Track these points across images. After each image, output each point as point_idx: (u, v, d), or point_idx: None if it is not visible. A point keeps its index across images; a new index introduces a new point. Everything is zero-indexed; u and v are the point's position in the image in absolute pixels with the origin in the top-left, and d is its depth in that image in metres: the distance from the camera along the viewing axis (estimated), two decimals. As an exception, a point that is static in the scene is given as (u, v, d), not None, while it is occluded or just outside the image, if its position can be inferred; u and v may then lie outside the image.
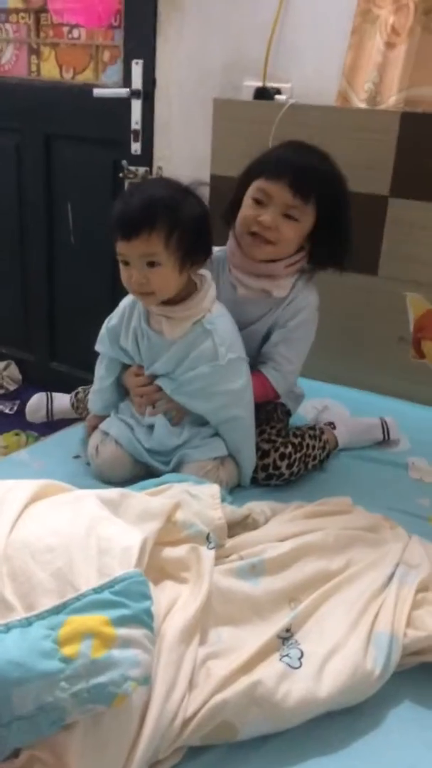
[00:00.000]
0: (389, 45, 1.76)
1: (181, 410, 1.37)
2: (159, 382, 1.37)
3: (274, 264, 1.40)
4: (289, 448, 1.42)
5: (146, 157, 2.24)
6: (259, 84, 1.96)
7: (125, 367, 1.46)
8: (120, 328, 1.41)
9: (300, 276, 1.46)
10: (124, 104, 2.19)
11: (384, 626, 0.98)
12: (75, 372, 2.65)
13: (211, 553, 0.99)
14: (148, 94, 2.16)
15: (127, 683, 0.66)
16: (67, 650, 0.65)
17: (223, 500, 1.18)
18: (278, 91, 1.94)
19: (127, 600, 0.70)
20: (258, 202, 1.35)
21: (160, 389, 1.37)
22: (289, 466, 1.41)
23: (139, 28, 2.12)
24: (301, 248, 1.41)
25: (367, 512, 1.28)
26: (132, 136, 2.23)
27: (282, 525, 1.18)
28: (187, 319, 1.30)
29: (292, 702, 0.86)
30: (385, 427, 1.65)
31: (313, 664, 0.91)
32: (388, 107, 1.78)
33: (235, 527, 1.15)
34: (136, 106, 2.18)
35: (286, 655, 0.92)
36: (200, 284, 1.32)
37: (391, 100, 1.78)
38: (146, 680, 0.69)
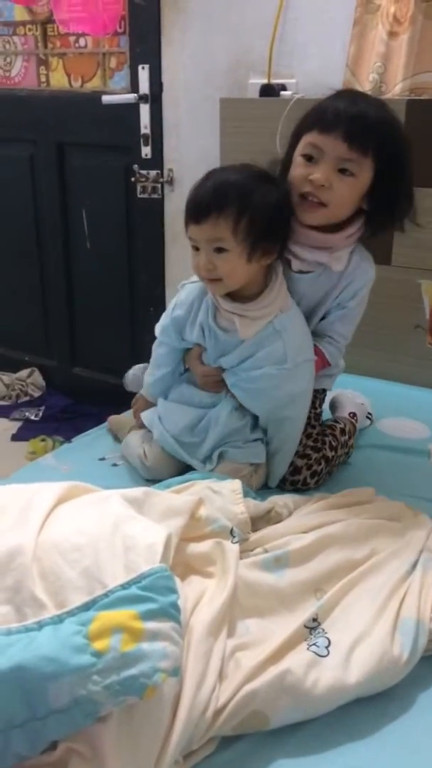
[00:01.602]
0: (392, 34, 1.76)
1: None
2: (224, 374, 1.36)
3: (333, 235, 1.29)
4: (322, 465, 1.41)
5: (157, 161, 2.26)
6: (265, 81, 1.98)
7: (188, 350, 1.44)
8: (186, 320, 1.36)
9: (356, 247, 1.36)
10: (132, 109, 2.23)
11: (410, 612, 0.99)
12: (97, 376, 2.69)
13: (236, 547, 1.01)
14: (155, 98, 2.19)
15: (157, 675, 0.68)
16: (98, 645, 0.68)
17: (246, 495, 1.20)
18: (283, 87, 1.95)
19: (154, 594, 0.72)
20: (309, 158, 1.21)
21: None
22: (317, 482, 1.41)
23: (143, 33, 2.15)
24: (358, 212, 1.29)
25: (390, 501, 1.29)
26: (142, 140, 2.26)
27: (305, 517, 1.19)
28: (261, 318, 1.27)
29: (322, 689, 0.88)
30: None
31: (340, 652, 0.92)
32: (394, 96, 1.78)
33: (259, 521, 1.17)
34: (145, 110, 2.21)
35: (314, 644, 0.93)
36: (272, 281, 1.28)
37: (397, 88, 1.78)
38: (176, 671, 0.71)
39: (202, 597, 0.94)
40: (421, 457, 1.56)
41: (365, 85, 1.83)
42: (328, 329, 1.40)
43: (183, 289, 1.38)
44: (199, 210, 1.18)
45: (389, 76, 1.80)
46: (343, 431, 1.50)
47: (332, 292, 1.36)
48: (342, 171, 1.20)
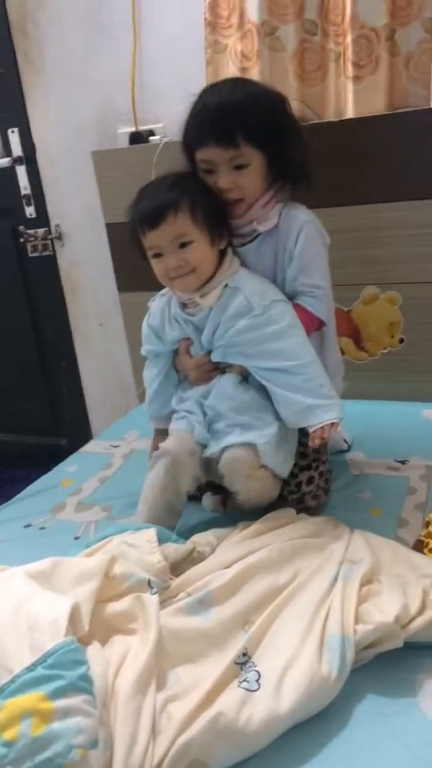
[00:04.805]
0: (243, 70, 1.83)
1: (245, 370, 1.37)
2: (212, 357, 1.38)
3: (250, 212, 1.35)
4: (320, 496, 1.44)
5: (42, 219, 2.28)
6: (133, 129, 2.02)
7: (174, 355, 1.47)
8: (162, 323, 1.43)
9: (284, 205, 1.39)
10: (9, 172, 2.24)
11: (334, 628, 1.00)
12: (21, 438, 2.67)
13: (155, 598, 1.01)
14: (30, 159, 2.21)
15: (73, 752, 0.68)
16: (8, 734, 0.67)
17: (167, 540, 1.21)
18: (152, 132, 2.00)
19: (61, 670, 0.72)
20: (208, 171, 1.31)
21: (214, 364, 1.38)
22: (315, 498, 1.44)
23: (7, 98, 2.17)
24: (275, 180, 1.36)
25: (311, 518, 1.32)
26: (24, 201, 2.27)
27: (227, 551, 1.20)
28: (217, 285, 1.32)
29: (256, 725, 0.88)
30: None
31: (271, 683, 0.93)
32: (255, 127, 1.84)
33: (182, 564, 1.18)
34: (22, 172, 2.23)
35: (245, 680, 0.94)
36: (224, 261, 1.34)
37: (257, 120, 1.85)
38: (94, 743, 0.71)
39: (127, 656, 0.93)
40: (340, 468, 1.60)
41: (227, 120, 1.89)
42: (295, 285, 1.40)
43: (154, 302, 1.46)
44: (155, 215, 1.25)
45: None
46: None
47: (278, 250, 1.39)
48: (238, 167, 1.29)
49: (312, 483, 1.43)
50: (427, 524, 1.25)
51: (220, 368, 1.39)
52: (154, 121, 2.01)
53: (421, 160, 1.70)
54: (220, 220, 1.30)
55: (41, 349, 2.48)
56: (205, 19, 1.82)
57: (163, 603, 1.05)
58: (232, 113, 1.27)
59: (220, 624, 1.03)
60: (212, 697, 0.91)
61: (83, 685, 0.73)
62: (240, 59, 1.83)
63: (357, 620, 1.02)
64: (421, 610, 1.02)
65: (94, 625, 0.94)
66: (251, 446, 1.30)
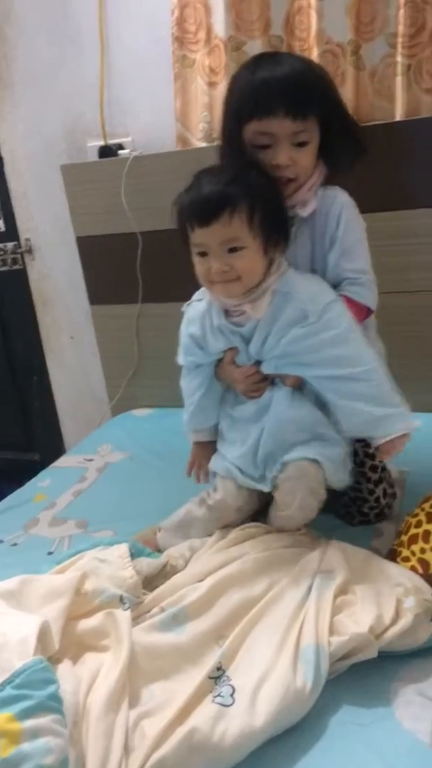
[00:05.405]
0: (211, 84, 1.84)
1: (298, 380, 1.26)
2: (262, 369, 1.27)
3: (297, 194, 1.22)
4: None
5: (12, 233, 2.26)
6: (102, 143, 2.02)
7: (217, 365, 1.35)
8: (204, 333, 1.30)
9: (319, 187, 1.27)
10: (-23, 186, 2.22)
11: (308, 639, 1.00)
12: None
13: (127, 614, 1.00)
14: (-2, 172, 2.20)
15: (43, 773, 0.67)
16: (-25, 758, 0.65)
17: (139, 554, 1.20)
18: (120, 146, 2.00)
19: (30, 690, 0.71)
20: (264, 146, 1.18)
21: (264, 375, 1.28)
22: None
23: (-25, 111, 2.16)
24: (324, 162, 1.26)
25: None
26: (-7, 215, 2.26)
27: (201, 563, 1.19)
28: (266, 291, 1.19)
29: (231, 740, 0.87)
30: None
31: (245, 697, 0.92)
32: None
33: (156, 578, 1.17)
34: (-10, 185, 2.21)
35: (219, 695, 0.93)
36: (274, 266, 1.21)
37: (225, 134, 1.86)
38: (64, 763, 0.70)
39: (99, 673, 0.92)
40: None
41: (196, 134, 1.90)
42: (339, 272, 1.29)
43: (189, 308, 1.34)
44: (208, 210, 1.09)
45: (217, 123, 1.86)
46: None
47: (316, 236, 1.29)
48: (299, 144, 1.17)
49: (386, 494, 1.41)
50: (399, 534, 1.25)
51: (269, 378, 1.29)
52: (123, 135, 2.01)
53: (386, 174, 1.72)
54: (279, 223, 1.16)
55: (12, 363, 2.46)
56: (173, 34, 1.83)
57: (137, 618, 1.04)
58: (307, 83, 1.16)
59: (194, 639, 1.03)
60: (186, 713, 0.90)
61: (53, 704, 0.72)
62: (208, 74, 1.84)
63: (331, 631, 1.02)
64: (395, 619, 1.02)
65: (65, 643, 0.93)
66: (316, 462, 1.23)
